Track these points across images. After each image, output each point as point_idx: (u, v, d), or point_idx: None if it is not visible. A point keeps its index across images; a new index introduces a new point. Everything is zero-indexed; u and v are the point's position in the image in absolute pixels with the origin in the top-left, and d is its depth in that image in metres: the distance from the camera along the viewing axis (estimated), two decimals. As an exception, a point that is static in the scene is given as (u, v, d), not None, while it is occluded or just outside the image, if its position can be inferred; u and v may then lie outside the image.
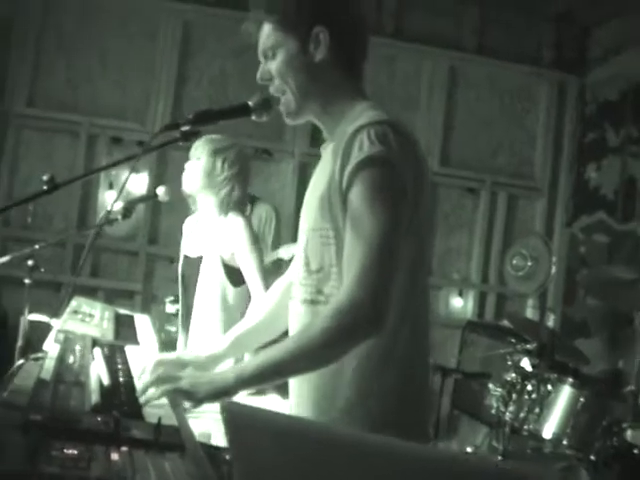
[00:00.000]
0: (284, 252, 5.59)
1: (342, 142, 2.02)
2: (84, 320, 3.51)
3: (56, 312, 4.58)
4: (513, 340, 5.52)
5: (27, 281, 3.90)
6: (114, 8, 7.14)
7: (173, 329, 4.95)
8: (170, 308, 5.40)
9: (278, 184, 7.31)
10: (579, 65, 8.00)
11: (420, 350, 2.16)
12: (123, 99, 7.17)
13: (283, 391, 2.43)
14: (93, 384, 2.05)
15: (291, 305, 2.26)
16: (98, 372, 2.19)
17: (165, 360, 2.41)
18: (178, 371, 2.32)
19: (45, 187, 2.15)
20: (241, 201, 4.00)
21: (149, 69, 7.20)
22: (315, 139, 7.31)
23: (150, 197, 3.99)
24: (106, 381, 2.08)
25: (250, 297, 3.83)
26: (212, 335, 3.85)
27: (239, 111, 2.26)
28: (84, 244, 6.74)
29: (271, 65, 2.20)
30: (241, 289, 3.89)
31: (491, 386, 4.69)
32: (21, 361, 2.74)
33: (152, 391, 2.03)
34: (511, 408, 4.52)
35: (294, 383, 2.24)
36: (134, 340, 3.34)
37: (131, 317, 4.03)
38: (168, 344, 4.23)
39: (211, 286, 3.87)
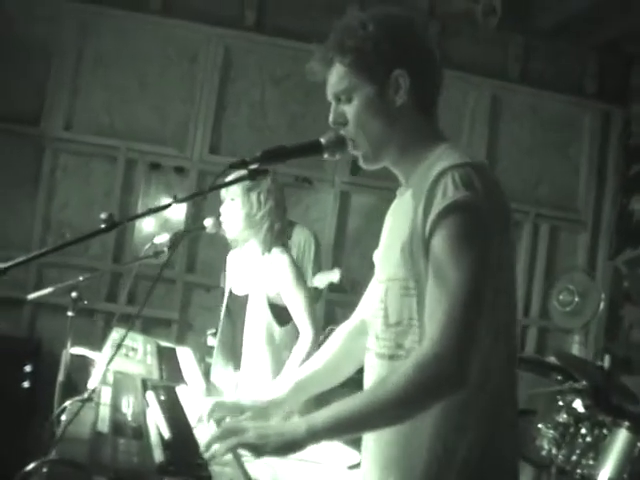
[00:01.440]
0: (319, 281, 5.49)
1: (424, 187, 1.91)
2: (128, 355, 3.44)
3: (95, 343, 4.51)
4: (559, 377, 5.36)
5: (70, 314, 3.78)
6: (153, 32, 7.10)
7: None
8: (211, 341, 5.30)
9: (318, 213, 7.20)
10: (623, 95, 7.87)
11: (505, 406, 2.01)
12: (161, 124, 7.10)
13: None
14: (153, 438, 1.94)
15: (367, 358, 2.14)
16: (156, 423, 2.08)
17: (223, 405, 2.29)
18: (236, 416, 2.21)
19: (103, 225, 2.00)
20: (282, 233, 3.92)
21: (188, 94, 7.12)
22: (356, 168, 7.21)
23: (198, 229, 3.89)
24: (167, 434, 1.96)
25: (297, 335, 3.76)
26: (260, 373, 3.77)
27: (311, 149, 2.14)
28: (120, 272, 6.70)
29: (346, 108, 2.09)
30: (288, 328, 3.82)
31: (542, 427, 4.52)
32: (67, 402, 2.64)
33: (217, 445, 1.90)
34: (563, 451, 4.36)
35: (365, 438, 2.11)
36: (180, 378, 3.25)
37: (173, 350, 3.94)
38: (208, 376, 4.11)
39: (257, 325, 3.79)
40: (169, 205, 2.08)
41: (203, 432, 2.16)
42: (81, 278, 3.88)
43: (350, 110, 2.07)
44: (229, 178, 2.72)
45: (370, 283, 2.40)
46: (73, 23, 6.95)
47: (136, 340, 3.77)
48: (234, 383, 3.95)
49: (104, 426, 1.99)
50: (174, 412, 2.27)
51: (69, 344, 3.81)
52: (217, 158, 7.00)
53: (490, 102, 7.58)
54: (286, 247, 3.93)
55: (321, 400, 2.35)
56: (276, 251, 3.81)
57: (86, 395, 2.63)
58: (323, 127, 6.70)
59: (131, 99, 7.06)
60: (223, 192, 3.85)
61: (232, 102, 7.22)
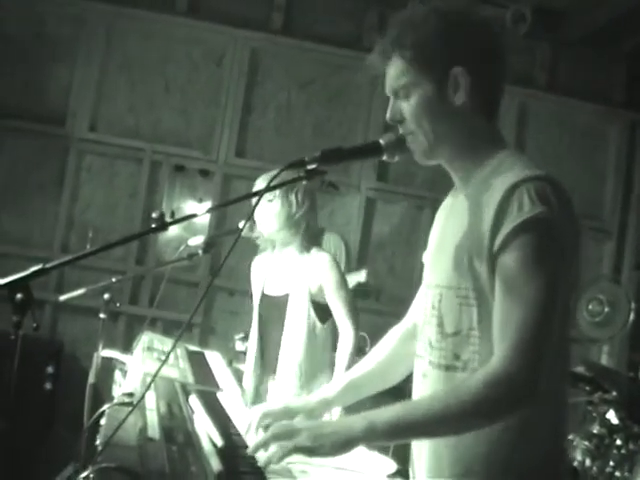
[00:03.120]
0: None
1: (490, 194, 1.87)
2: (159, 359, 3.39)
3: (118, 346, 4.47)
4: (587, 388, 5.29)
5: (102, 316, 3.73)
6: (179, 34, 7.07)
7: (241, 367, 4.78)
8: (240, 346, 5.26)
9: (343, 218, 7.14)
10: (651, 105, 7.81)
11: (561, 421, 1.98)
12: (187, 126, 7.07)
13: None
14: (206, 446, 1.89)
15: (418, 364, 2.08)
16: (206, 430, 2.03)
17: (272, 412, 2.25)
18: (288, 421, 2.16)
19: (154, 224, 1.94)
20: (317, 234, 3.91)
21: (214, 97, 7.09)
22: (382, 173, 7.18)
23: (233, 232, 3.84)
24: (219, 442, 1.91)
25: (337, 333, 3.79)
26: (299, 372, 3.76)
27: (370, 151, 2.08)
28: (142, 274, 6.66)
29: (403, 105, 2.03)
30: (328, 325, 3.83)
31: (575, 438, 4.47)
32: (106, 406, 2.60)
33: (271, 450, 1.84)
34: (597, 462, 4.31)
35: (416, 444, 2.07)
36: (215, 383, 3.21)
37: (202, 354, 3.90)
38: (240, 381, 4.07)
39: (299, 322, 3.76)
40: (226, 205, 2.03)
41: (252, 440, 2.11)
42: (114, 279, 3.83)
43: (408, 107, 2.02)
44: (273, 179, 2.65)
45: (420, 286, 2.35)
46: (100, 24, 6.94)
47: (165, 343, 3.73)
48: (266, 389, 3.92)
49: (154, 432, 1.95)
50: (221, 419, 2.23)
51: (100, 346, 3.77)
52: (242, 161, 6.97)
53: (517, 110, 7.52)
54: (322, 247, 3.93)
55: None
56: (315, 250, 3.81)
57: (126, 399, 2.59)
58: (348, 131, 6.73)
59: (157, 101, 7.05)
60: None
61: (258, 105, 7.19)
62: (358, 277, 5.55)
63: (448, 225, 2.08)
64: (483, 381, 1.77)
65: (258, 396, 3.89)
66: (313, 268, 3.76)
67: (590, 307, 6.10)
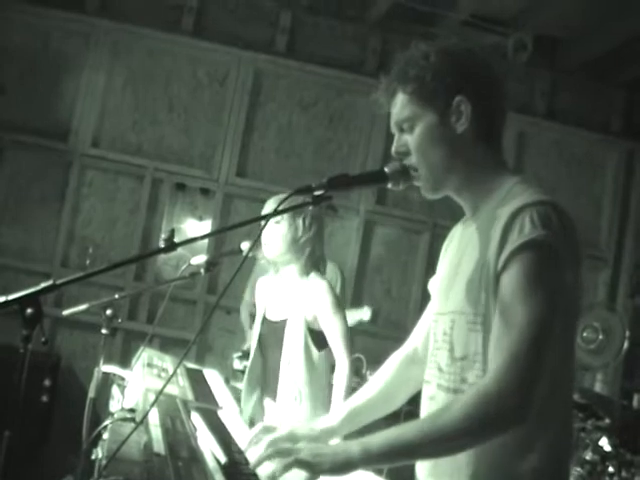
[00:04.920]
0: (349, 318, 5.46)
1: (498, 222, 1.90)
2: (160, 375, 3.43)
3: (115, 361, 4.50)
4: (581, 415, 5.33)
5: (104, 331, 3.75)
6: (183, 53, 7.15)
7: (239, 385, 4.80)
8: (237, 364, 5.28)
9: (342, 240, 7.19)
10: (649, 133, 7.88)
11: (563, 444, 2.01)
12: (189, 145, 7.13)
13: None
14: (210, 462, 1.93)
15: (426, 389, 2.12)
16: (209, 447, 2.07)
17: (276, 435, 2.28)
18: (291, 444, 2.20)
19: (163, 245, 1.99)
20: (321, 260, 3.91)
21: (217, 116, 7.16)
22: (381, 197, 7.23)
23: (235, 252, 3.86)
24: (222, 459, 1.95)
25: (334, 360, 3.76)
26: (298, 395, 3.73)
27: (375, 178, 2.13)
28: (145, 291, 6.69)
29: (408, 138, 2.07)
30: (326, 352, 3.79)
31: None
32: (108, 421, 2.63)
33: (273, 465, 1.88)
34: (589, 490, 4.34)
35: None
36: (214, 400, 3.25)
37: (200, 372, 3.93)
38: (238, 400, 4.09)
39: (296, 349, 3.76)
40: (233, 227, 2.07)
41: (253, 456, 2.14)
42: (117, 296, 3.85)
43: (412, 139, 2.06)
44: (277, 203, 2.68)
45: (424, 313, 2.38)
46: (106, 41, 7.01)
47: (165, 360, 3.77)
48: (262, 409, 3.93)
49: (160, 447, 1.98)
50: (223, 436, 2.26)
51: (101, 362, 3.79)
52: (243, 181, 7.03)
53: (516, 137, 7.59)
54: (323, 273, 3.91)
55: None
56: (314, 276, 3.79)
57: (128, 415, 2.62)
58: (348, 153, 6.80)
59: (160, 119, 7.11)
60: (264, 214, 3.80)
61: (260, 126, 7.25)
62: (362, 314, 5.53)
63: (460, 255, 2.10)
64: (474, 399, 1.79)
65: (256, 415, 3.90)
66: (310, 294, 3.75)
67: (585, 334, 6.13)
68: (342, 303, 3.84)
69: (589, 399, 5.27)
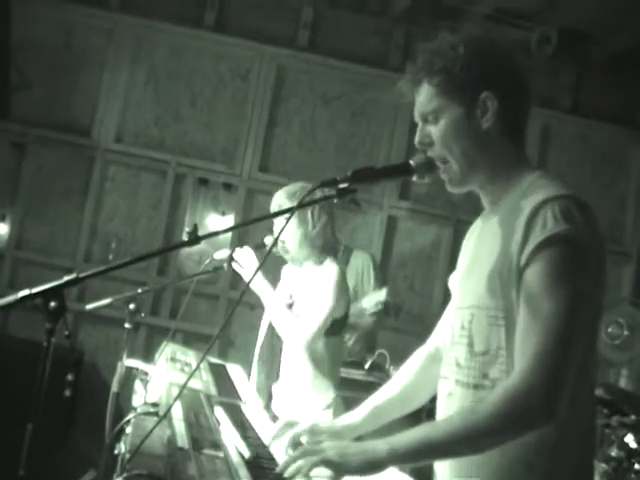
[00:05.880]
0: (367, 302, 5.45)
1: (519, 216, 1.89)
2: (183, 370, 3.42)
3: (138, 356, 4.49)
4: (606, 411, 5.28)
5: (127, 326, 3.75)
6: (206, 48, 7.15)
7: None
8: (259, 358, 5.27)
9: (365, 236, 7.17)
10: (674, 128, 7.80)
11: (588, 443, 1.99)
12: (212, 140, 7.14)
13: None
14: (233, 456, 1.92)
15: (443, 385, 2.11)
16: (233, 441, 2.06)
17: (294, 424, 2.27)
18: (313, 440, 2.19)
19: (187, 238, 1.98)
20: (334, 245, 3.88)
21: (239, 111, 7.15)
22: (404, 192, 7.20)
23: (259, 247, 3.84)
24: (246, 454, 1.94)
25: (341, 347, 3.82)
26: (301, 386, 3.72)
27: (400, 171, 2.12)
28: (168, 286, 6.71)
29: (432, 129, 2.06)
30: (333, 340, 3.75)
31: (594, 461, 4.46)
32: (131, 415, 2.63)
33: (298, 463, 1.87)
34: (615, 487, 4.30)
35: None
36: (237, 395, 3.24)
37: (223, 366, 3.93)
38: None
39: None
40: (254, 221, 2.06)
41: (277, 452, 2.14)
42: (140, 290, 3.85)
43: (436, 131, 2.05)
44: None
45: (445, 310, 2.37)
46: (129, 36, 7.03)
47: (188, 355, 3.76)
48: (268, 393, 3.91)
49: (183, 442, 1.98)
50: (247, 430, 2.26)
51: (125, 356, 3.79)
52: (266, 176, 7.02)
53: (540, 131, 7.53)
54: (337, 259, 3.87)
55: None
56: (328, 262, 3.75)
57: (151, 409, 2.62)
58: (371, 148, 6.77)
59: (182, 114, 7.12)
60: (276, 208, 3.72)
61: (283, 121, 7.24)
62: (378, 296, 5.51)
63: (480, 249, 2.10)
64: (502, 396, 1.79)
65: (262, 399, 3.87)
66: (319, 279, 3.72)
67: (609, 330, 6.09)
68: (345, 294, 3.75)
69: (614, 395, 5.22)
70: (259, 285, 3.67)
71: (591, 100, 7.72)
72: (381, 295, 5.44)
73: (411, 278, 7.29)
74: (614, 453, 4.41)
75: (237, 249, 3.76)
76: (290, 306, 3.82)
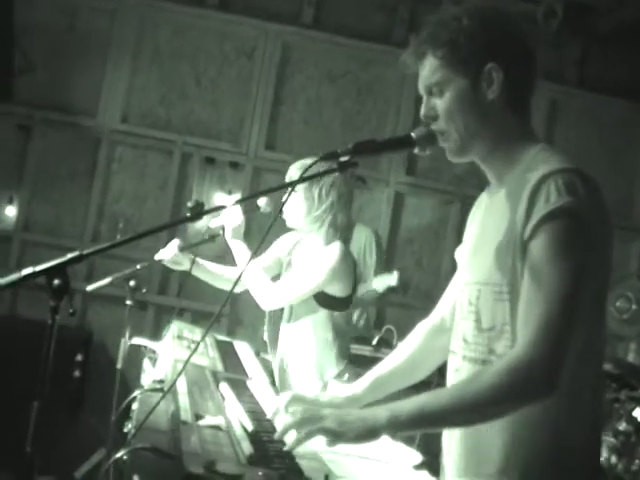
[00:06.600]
0: (377, 284, 5.43)
1: (523, 190, 1.88)
2: (189, 347, 3.43)
3: (147, 334, 4.51)
4: (614, 385, 5.28)
5: (129, 302, 3.77)
6: (211, 27, 7.13)
7: (269, 357, 4.81)
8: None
9: (372, 213, 7.17)
10: (682, 101, 7.75)
11: (591, 418, 1.98)
12: (217, 119, 7.14)
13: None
14: (237, 429, 1.93)
15: (451, 360, 2.11)
16: (237, 415, 2.07)
17: (300, 398, 2.28)
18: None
19: (189, 214, 1.98)
20: (346, 226, 3.85)
21: (244, 89, 7.14)
22: (411, 168, 7.19)
23: (252, 210, 3.82)
24: (249, 427, 1.95)
25: (346, 321, 3.82)
26: (304, 361, 3.73)
27: (401, 143, 2.10)
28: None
29: (437, 102, 2.05)
30: (338, 316, 3.74)
31: (602, 434, 4.46)
32: (137, 392, 2.64)
33: (297, 434, 1.87)
34: (623, 460, 4.30)
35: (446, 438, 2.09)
36: (243, 371, 3.25)
37: (230, 344, 3.95)
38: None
39: (304, 310, 3.73)
40: (256, 196, 2.06)
41: (280, 424, 2.14)
42: (138, 266, 3.86)
43: (441, 103, 2.03)
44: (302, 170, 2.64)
45: (451, 282, 2.36)
46: (132, 17, 7.02)
47: (195, 332, 3.78)
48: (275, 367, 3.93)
49: (187, 416, 1.99)
50: (251, 404, 2.27)
51: (128, 333, 3.81)
52: (272, 154, 7.02)
53: (547, 106, 7.50)
54: (347, 242, 3.85)
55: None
56: (334, 243, 3.69)
57: (157, 385, 2.63)
58: (377, 125, 6.74)
59: (188, 93, 7.11)
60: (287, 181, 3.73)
61: (288, 98, 7.23)
62: (389, 280, 5.48)
63: (487, 224, 2.09)
64: (505, 367, 1.78)
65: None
66: (319, 256, 3.68)
67: (618, 304, 6.09)
68: (349, 275, 3.71)
69: (622, 369, 5.22)
70: (235, 244, 3.69)
71: (598, 73, 7.67)
72: (392, 279, 5.41)
73: (419, 254, 7.28)
74: (622, 427, 4.41)
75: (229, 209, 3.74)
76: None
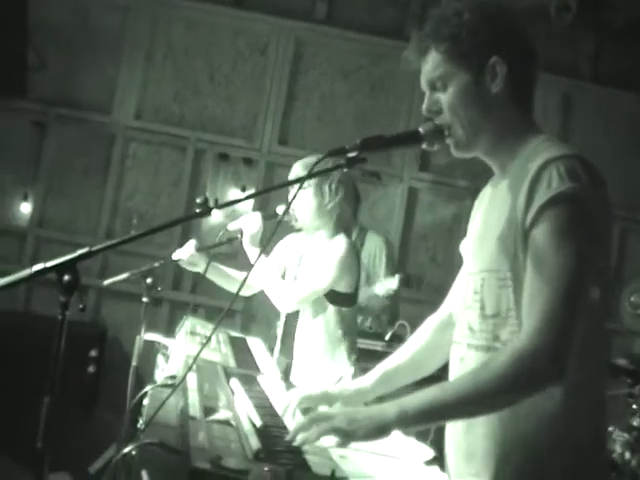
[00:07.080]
0: (379, 288, 5.44)
1: (525, 178, 1.88)
2: (202, 343, 3.43)
3: (161, 330, 4.52)
4: (629, 380, 5.25)
5: (145, 299, 3.78)
6: (224, 23, 7.14)
7: (281, 353, 4.82)
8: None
9: (385, 209, 7.17)
10: (697, 95, 7.71)
11: (599, 412, 1.98)
12: (231, 115, 7.15)
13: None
14: (245, 425, 1.93)
15: (455, 350, 2.10)
16: (246, 410, 2.07)
17: (310, 397, 2.28)
18: (325, 407, 2.21)
19: (198, 210, 1.99)
20: (350, 220, 3.88)
21: (258, 86, 7.16)
22: (424, 164, 7.18)
23: (271, 216, 3.84)
24: (258, 422, 1.95)
25: (353, 319, 3.84)
26: (315, 357, 3.76)
27: (409, 138, 2.11)
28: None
29: (440, 97, 2.05)
30: (345, 312, 3.77)
31: (614, 430, 4.44)
32: (148, 387, 2.65)
33: (308, 432, 1.88)
34: (637, 456, 4.28)
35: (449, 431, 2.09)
36: (256, 367, 3.26)
37: (243, 340, 3.95)
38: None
39: (314, 308, 3.75)
40: (265, 191, 2.06)
41: (290, 422, 2.15)
42: (156, 264, 3.88)
43: (445, 98, 2.04)
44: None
45: (458, 276, 2.36)
46: (146, 14, 7.04)
47: (208, 329, 3.78)
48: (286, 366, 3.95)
49: (196, 411, 2.00)
50: (260, 400, 2.28)
51: (143, 330, 3.82)
52: (286, 150, 7.02)
53: (561, 100, 7.47)
54: (349, 234, 3.88)
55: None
56: (340, 237, 3.76)
57: (169, 381, 2.64)
58: (390, 120, 6.73)
59: (201, 89, 7.13)
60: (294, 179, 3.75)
61: (301, 94, 7.24)
62: (390, 284, 5.50)
63: (490, 214, 2.08)
64: (507, 359, 1.79)
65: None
66: (327, 251, 3.72)
67: (633, 299, 6.06)
68: (354, 270, 3.76)
69: (637, 364, 5.20)
70: (251, 251, 3.74)
71: (612, 68, 7.64)
72: (393, 283, 5.43)
73: (433, 250, 7.28)
74: (636, 423, 4.38)
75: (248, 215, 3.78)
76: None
